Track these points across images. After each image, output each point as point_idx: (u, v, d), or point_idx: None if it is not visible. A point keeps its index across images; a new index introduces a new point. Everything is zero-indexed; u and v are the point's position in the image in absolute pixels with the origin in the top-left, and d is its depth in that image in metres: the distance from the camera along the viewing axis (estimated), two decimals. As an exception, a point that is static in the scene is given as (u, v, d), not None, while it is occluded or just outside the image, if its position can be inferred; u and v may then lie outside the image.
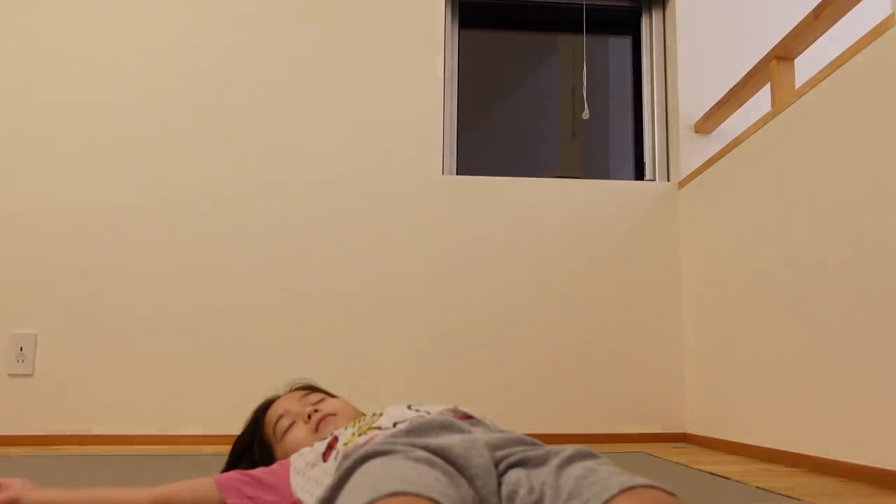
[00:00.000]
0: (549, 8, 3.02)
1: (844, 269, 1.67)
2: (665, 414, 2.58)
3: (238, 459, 1.16)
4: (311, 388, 1.24)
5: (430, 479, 0.64)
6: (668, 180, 2.80)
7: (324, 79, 2.70)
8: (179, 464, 1.82)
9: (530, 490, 0.70)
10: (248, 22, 2.73)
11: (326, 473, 0.92)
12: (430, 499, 0.58)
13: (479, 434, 0.82)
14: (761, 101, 2.29)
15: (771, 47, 2.15)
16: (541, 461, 0.74)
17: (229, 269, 2.54)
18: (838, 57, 1.72)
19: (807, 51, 2.08)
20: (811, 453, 1.77)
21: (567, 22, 2.97)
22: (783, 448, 1.90)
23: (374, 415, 1.00)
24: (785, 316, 1.93)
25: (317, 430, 1.10)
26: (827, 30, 1.96)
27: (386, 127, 2.69)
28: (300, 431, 1.11)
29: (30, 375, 2.43)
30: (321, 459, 0.96)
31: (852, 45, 1.67)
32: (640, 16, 3.00)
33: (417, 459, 0.69)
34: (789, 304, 1.91)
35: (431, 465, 0.69)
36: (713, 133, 2.73)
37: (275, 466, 1.02)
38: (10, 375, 2.42)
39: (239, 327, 2.51)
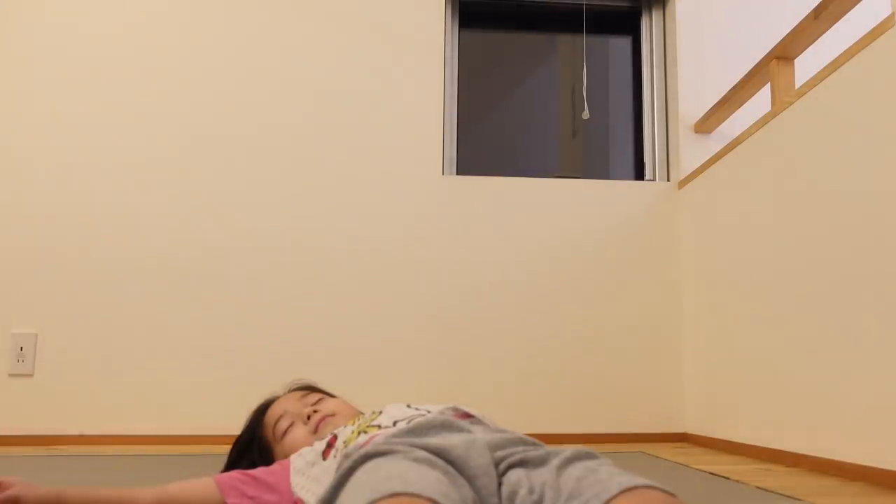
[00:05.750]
0: (549, 8, 3.01)
1: (844, 269, 1.67)
2: (665, 414, 2.58)
3: (238, 459, 1.16)
4: (311, 389, 1.24)
5: (431, 479, 0.64)
6: (668, 180, 2.80)
7: (323, 79, 2.70)
8: (179, 464, 1.82)
9: (530, 490, 0.70)
10: (246, 23, 2.73)
11: (326, 472, 0.92)
12: (431, 499, 0.58)
13: (479, 433, 0.82)
14: (761, 101, 2.29)
15: (771, 47, 2.15)
16: (541, 461, 0.74)
17: (228, 269, 2.54)
18: (838, 57, 1.72)
19: (807, 51, 2.08)
20: (811, 453, 1.77)
21: (567, 22, 2.97)
22: (783, 448, 1.90)
23: (373, 413, 1.00)
24: (785, 316, 1.93)
25: (316, 430, 1.10)
26: (827, 30, 1.96)
27: (386, 127, 2.69)
28: (299, 432, 1.11)
29: (30, 375, 2.42)
30: (321, 458, 0.96)
31: (852, 45, 1.67)
32: (640, 16, 3.00)
33: (417, 460, 0.69)
34: (789, 304, 1.91)
35: (432, 465, 0.69)
36: (713, 133, 2.73)
37: (275, 466, 1.02)
38: (11, 375, 2.42)
39: (239, 327, 2.51)
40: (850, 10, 1.87)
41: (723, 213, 2.36)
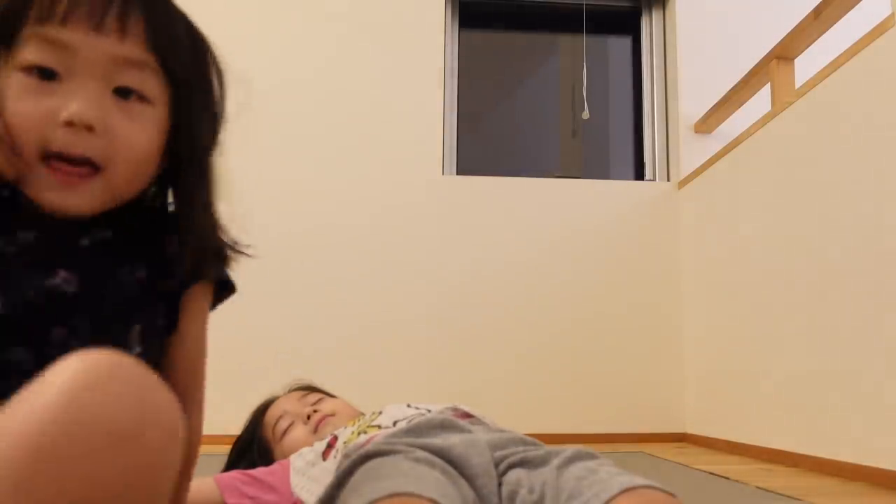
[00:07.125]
0: (549, 8, 3.01)
1: (844, 269, 1.67)
2: (665, 414, 2.58)
3: (238, 460, 1.16)
4: (310, 389, 1.24)
5: (431, 479, 0.64)
6: (668, 180, 2.80)
7: (324, 79, 2.70)
8: (179, 464, 1.81)
9: (531, 490, 0.70)
10: (246, 22, 2.73)
11: (326, 472, 0.92)
12: (431, 499, 0.58)
13: (479, 433, 0.82)
14: (761, 101, 2.29)
15: (771, 47, 2.15)
16: (541, 461, 0.74)
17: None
18: (838, 57, 1.72)
19: (807, 51, 2.07)
20: (811, 453, 1.77)
21: (567, 22, 2.97)
22: (783, 448, 1.90)
23: (373, 413, 1.00)
24: (785, 316, 1.93)
25: (316, 430, 1.10)
26: (827, 30, 1.96)
27: (386, 127, 2.69)
28: (299, 432, 1.11)
29: (30, 375, 2.42)
30: (321, 458, 0.96)
31: (852, 45, 1.67)
32: (640, 16, 3.00)
33: (417, 460, 0.69)
34: (789, 304, 1.91)
35: (431, 465, 0.69)
36: (713, 133, 2.72)
37: (275, 466, 1.02)
38: (10, 375, 2.41)
39: (238, 327, 2.50)
40: (850, 10, 1.87)
41: (723, 213, 2.36)
